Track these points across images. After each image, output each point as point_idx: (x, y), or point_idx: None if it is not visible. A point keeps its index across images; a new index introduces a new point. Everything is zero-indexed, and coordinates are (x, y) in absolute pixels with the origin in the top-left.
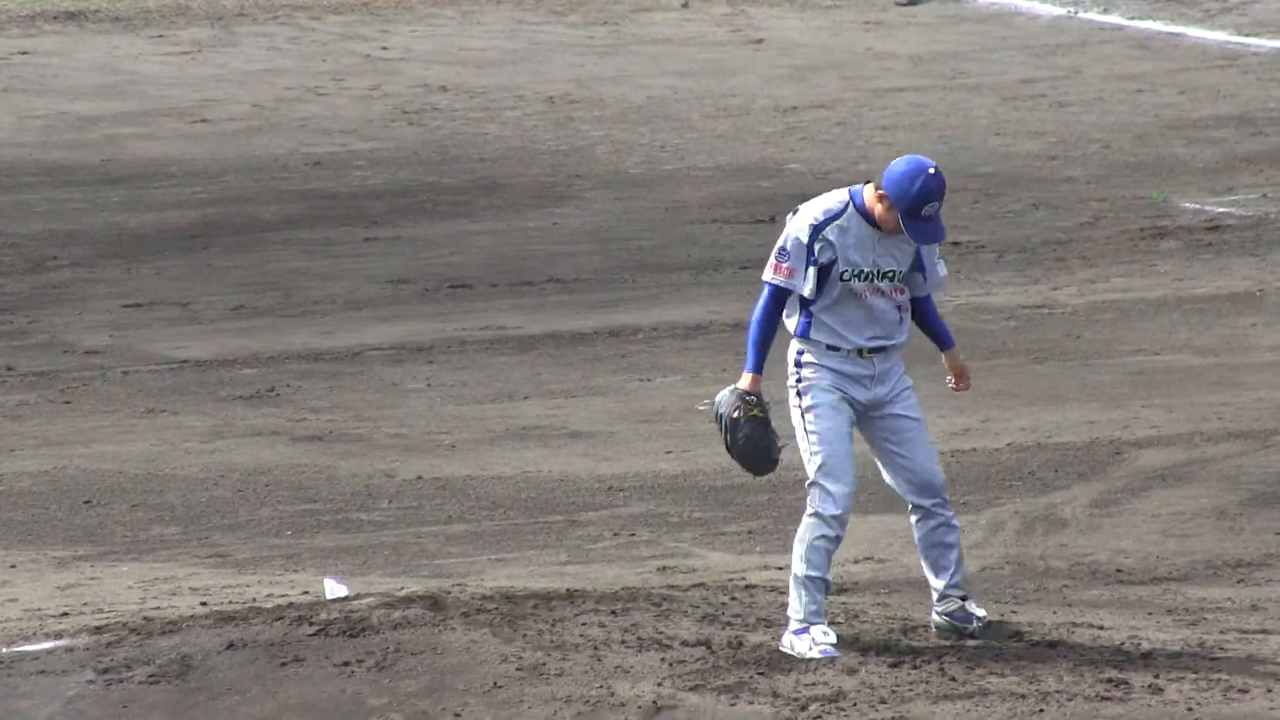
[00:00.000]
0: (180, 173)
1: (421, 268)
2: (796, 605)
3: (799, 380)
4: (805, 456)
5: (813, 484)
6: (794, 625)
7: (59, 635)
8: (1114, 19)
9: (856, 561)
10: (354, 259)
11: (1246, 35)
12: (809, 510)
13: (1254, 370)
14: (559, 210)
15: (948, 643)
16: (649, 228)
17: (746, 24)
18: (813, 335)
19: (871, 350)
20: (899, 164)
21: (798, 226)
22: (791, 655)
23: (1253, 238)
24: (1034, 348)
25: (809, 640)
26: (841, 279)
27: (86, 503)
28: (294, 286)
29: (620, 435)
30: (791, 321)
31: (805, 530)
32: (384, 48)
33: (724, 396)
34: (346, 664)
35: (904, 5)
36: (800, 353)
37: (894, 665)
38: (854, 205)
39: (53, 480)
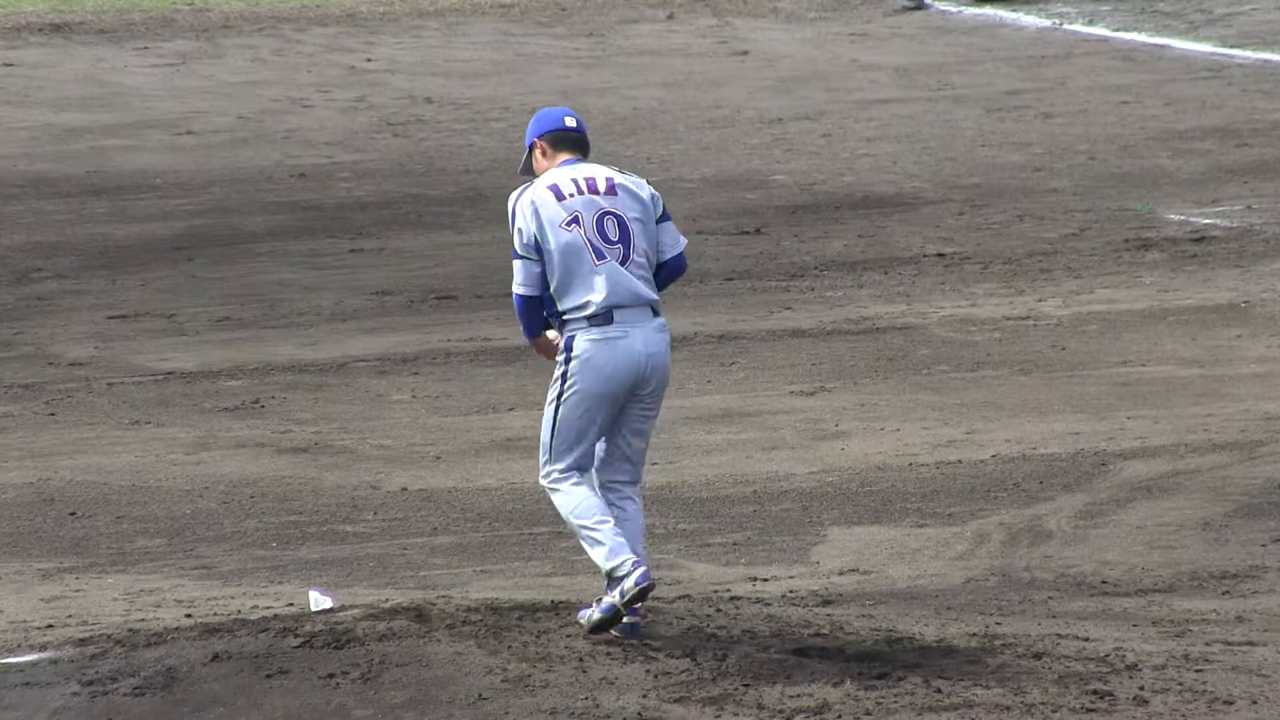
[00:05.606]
0: (165, 184)
1: (407, 279)
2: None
3: None
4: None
5: None
6: None
7: (44, 647)
8: (1099, 31)
9: (841, 573)
10: (339, 270)
11: (1231, 47)
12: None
13: (1239, 381)
14: None
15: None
16: None
17: (732, 36)
18: None
19: None
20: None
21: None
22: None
23: (1238, 249)
24: (1019, 359)
25: None
26: None
27: (71, 515)
28: (279, 298)
29: None
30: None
31: None
32: (369, 59)
33: None
34: (331, 676)
35: (906, 10)
36: None
37: (879, 677)
38: None
39: (38, 492)
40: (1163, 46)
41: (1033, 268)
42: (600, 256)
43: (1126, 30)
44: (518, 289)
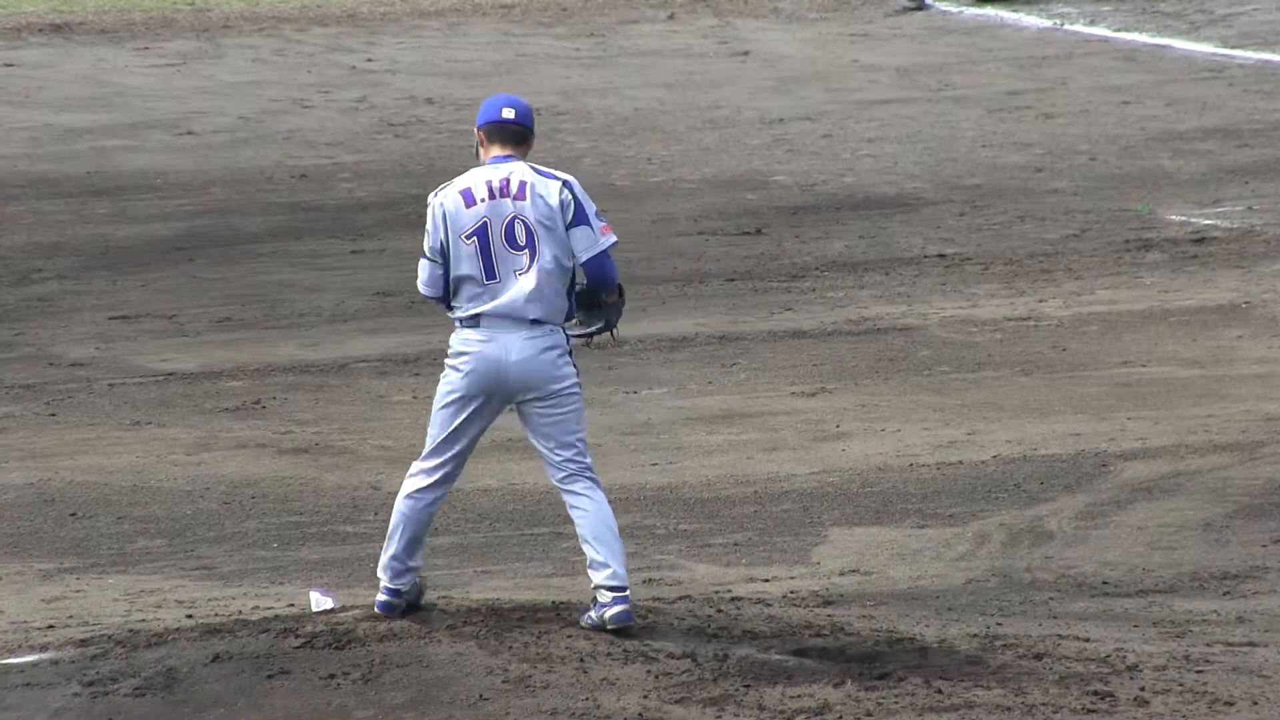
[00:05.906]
0: (166, 185)
1: (408, 280)
2: None
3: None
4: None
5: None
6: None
7: (44, 648)
8: (1100, 31)
9: (842, 574)
10: (340, 271)
11: (1232, 47)
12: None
13: (1240, 382)
14: None
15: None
16: (635, 240)
17: (732, 36)
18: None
19: None
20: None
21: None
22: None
23: (1238, 250)
24: (1020, 360)
25: None
26: None
27: (72, 515)
28: (280, 299)
29: (606, 447)
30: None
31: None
32: (370, 60)
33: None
34: (332, 676)
35: (906, 11)
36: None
37: (880, 678)
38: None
39: (39, 493)
40: (1164, 47)
41: (1033, 268)
42: (490, 275)
43: (1127, 31)
44: (421, 287)
